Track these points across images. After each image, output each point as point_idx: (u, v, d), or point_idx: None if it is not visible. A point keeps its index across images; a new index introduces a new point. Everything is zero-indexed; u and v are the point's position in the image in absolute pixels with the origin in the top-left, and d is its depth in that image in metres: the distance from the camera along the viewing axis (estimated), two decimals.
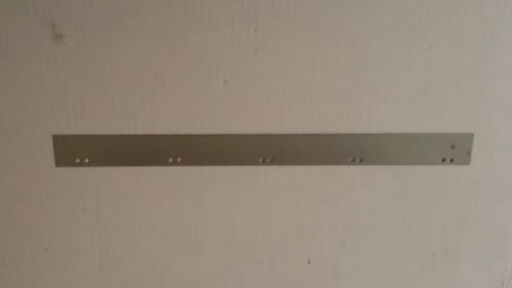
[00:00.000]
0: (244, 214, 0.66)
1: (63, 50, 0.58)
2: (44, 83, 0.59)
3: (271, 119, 0.62)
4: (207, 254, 0.66)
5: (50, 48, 0.58)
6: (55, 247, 0.66)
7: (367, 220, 0.67)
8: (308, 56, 0.59)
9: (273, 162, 0.64)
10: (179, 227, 0.66)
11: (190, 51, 0.58)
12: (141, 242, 0.66)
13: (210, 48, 0.58)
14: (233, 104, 0.61)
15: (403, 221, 0.67)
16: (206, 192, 0.65)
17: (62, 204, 0.64)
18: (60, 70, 0.59)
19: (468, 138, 0.63)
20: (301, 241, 0.68)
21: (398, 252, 0.69)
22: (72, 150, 0.62)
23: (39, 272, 0.67)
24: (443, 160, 0.64)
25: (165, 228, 0.66)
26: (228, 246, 0.66)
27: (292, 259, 0.69)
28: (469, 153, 0.63)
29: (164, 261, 0.68)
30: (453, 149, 0.63)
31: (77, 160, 0.63)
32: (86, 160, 0.63)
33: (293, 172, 0.64)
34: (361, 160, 0.64)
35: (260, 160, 0.64)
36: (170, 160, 0.63)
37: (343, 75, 0.60)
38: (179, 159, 0.63)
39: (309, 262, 0.69)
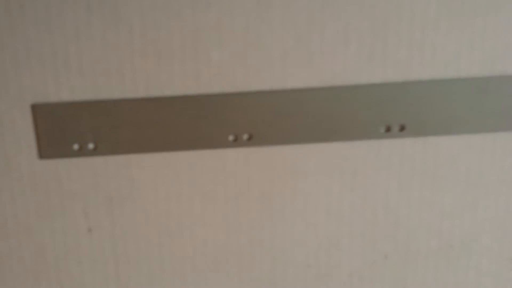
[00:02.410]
0: (352, 222, 0.42)
1: None
2: (14, 17, 0.36)
3: (402, 56, 0.37)
4: None
5: None
6: None
7: None
8: None
9: (404, 131, 0.39)
10: (245, 250, 0.42)
11: None
12: (184, 280, 0.41)
13: None
14: (336, 28, 0.37)
15: None
16: (289, 188, 0.41)
17: (53, 222, 0.40)
18: None
19: None
20: (447, 266, 0.43)
21: None
22: (66, 129, 0.39)
23: None
24: None
25: (222, 254, 0.42)
26: (327, 276, 0.41)
27: None
28: None
29: None
30: None
31: (75, 147, 0.39)
32: (91, 146, 0.39)
33: (439, 148, 0.40)
34: None
35: (382, 129, 0.39)
36: (231, 138, 0.39)
37: None
38: (245, 136, 0.39)
39: None
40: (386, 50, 0.38)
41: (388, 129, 0.39)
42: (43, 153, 0.39)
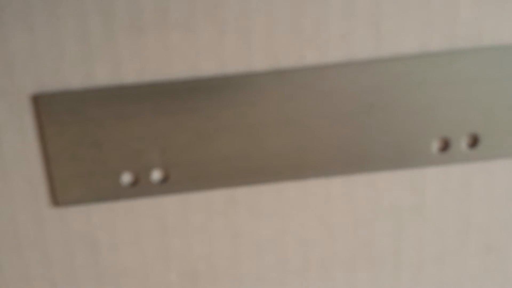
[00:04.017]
0: None
1: None
2: None
3: None
4: None
5: None
6: None
7: None
8: None
9: None
10: None
11: None
12: None
13: None
14: None
15: None
16: None
17: None
18: None
19: None
20: None
21: None
22: (104, 144, 0.19)
23: None
24: None
25: None
26: None
27: None
28: None
29: None
30: None
31: (126, 178, 0.19)
32: (157, 175, 0.19)
33: None
34: None
35: None
36: (436, 145, 0.20)
37: None
38: (464, 141, 0.20)
39: None
40: None
41: None
42: (60, 195, 0.20)
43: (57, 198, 0.20)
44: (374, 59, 0.19)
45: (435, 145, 0.20)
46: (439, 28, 0.19)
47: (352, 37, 0.19)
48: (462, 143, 0.20)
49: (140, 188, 0.20)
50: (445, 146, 0.20)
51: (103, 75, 0.19)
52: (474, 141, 0.20)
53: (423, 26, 0.19)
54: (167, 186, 0.20)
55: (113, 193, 0.20)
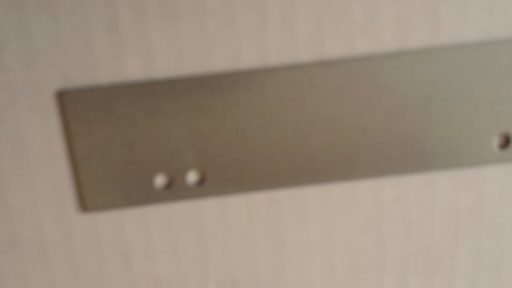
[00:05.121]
0: None
1: None
2: None
3: None
4: None
5: None
6: None
7: None
8: None
9: None
10: None
11: None
12: None
13: None
14: None
15: None
16: None
17: None
18: None
19: None
20: None
21: None
22: (135, 144, 0.17)
23: None
24: None
25: None
26: None
27: None
28: None
29: None
30: None
31: (159, 181, 0.18)
32: (193, 177, 0.18)
33: None
34: None
35: None
36: (496, 141, 0.18)
37: None
38: None
39: None
40: None
41: None
42: (88, 200, 0.18)
43: (86, 203, 0.18)
44: (431, 48, 0.17)
45: (495, 141, 0.18)
46: (502, 13, 0.18)
47: (407, 24, 0.17)
48: None
49: (175, 191, 0.18)
50: (506, 142, 0.18)
51: (134, 69, 0.17)
52: None
53: (485, 11, 0.17)
54: (204, 188, 0.18)
55: (146, 197, 0.18)
